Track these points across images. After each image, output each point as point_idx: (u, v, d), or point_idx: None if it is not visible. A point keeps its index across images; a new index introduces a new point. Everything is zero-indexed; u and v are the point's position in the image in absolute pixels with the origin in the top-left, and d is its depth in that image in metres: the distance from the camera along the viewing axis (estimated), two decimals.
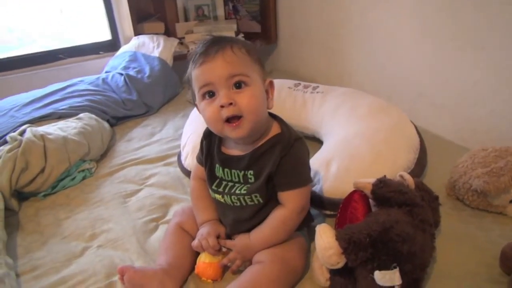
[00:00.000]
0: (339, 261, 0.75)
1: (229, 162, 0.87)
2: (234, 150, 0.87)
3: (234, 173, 0.85)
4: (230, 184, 0.86)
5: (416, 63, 1.51)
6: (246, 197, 0.84)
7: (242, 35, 2.20)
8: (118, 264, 0.93)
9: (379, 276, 0.72)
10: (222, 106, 0.77)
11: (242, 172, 0.84)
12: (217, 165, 0.88)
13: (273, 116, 0.88)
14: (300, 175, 0.83)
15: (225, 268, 0.89)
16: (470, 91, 1.34)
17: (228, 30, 2.17)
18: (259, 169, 0.83)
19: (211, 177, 0.89)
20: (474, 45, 1.29)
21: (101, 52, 2.18)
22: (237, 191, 0.84)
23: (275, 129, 0.86)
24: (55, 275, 0.93)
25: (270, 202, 0.85)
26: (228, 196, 0.86)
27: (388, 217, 0.76)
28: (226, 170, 0.87)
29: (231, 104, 0.77)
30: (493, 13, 1.21)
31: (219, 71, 0.77)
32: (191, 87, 0.85)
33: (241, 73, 0.78)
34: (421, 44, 1.47)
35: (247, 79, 0.78)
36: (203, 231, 0.89)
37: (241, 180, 0.85)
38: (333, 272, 0.80)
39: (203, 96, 0.80)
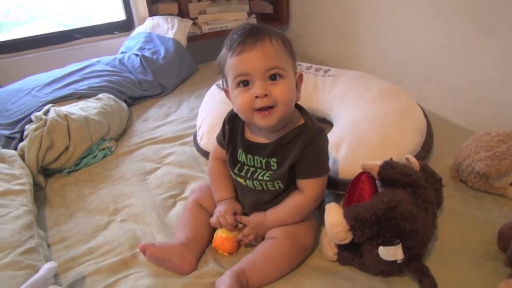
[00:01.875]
0: (346, 237, 0.81)
1: (252, 148, 0.90)
2: (258, 137, 0.90)
3: (257, 159, 0.90)
4: (252, 169, 0.91)
5: (426, 47, 1.53)
6: (268, 183, 0.89)
7: (255, 16, 2.22)
8: (140, 237, 1.01)
9: (383, 251, 0.79)
10: (257, 97, 0.80)
11: (265, 159, 0.88)
12: (240, 151, 0.92)
13: (297, 107, 0.91)
14: (320, 165, 0.88)
15: (240, 243, 0.96)
16: (478, 75, 1.37)
17: (241, 11, 2.19)
18: (282, 157, 0.87)
19: (233, 161, 0.94)
20: (484, 29, 1.31)
21: (115, 32, 2.22)
22: (259, 177, 0.89)
23: (299, 120, 0.89)
24: (83, 246, 1.00)
25: (290, 187, 0.90)
26: (250, 180, 0.91)
27: (393, 197, 0.82)
28: (249, 156, 0.91)
29: (266, 95, 0.80)
30: None
31: (257, 64, 0.79)
32: (222, 72, 0.88)
33: (278, 66, 0.80)
34: (432, 27, 1.48)
35: (283, 72, 0.81)
36: (220, 208, 0.95)
37: (264, 167, 0.89)
38: (341, 247, 0.87)
39: (238, 85, 0.82)
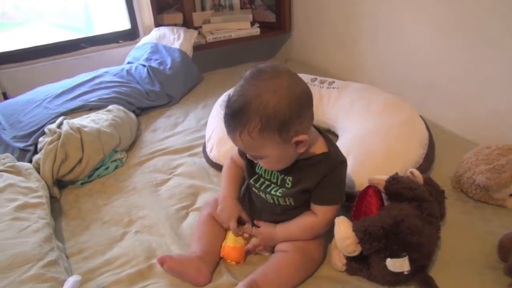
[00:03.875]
0: (355, 250, 0.86)
1: None
2: None
3: (274, 174, 0.93)
4: (267, 183, 0.95)
5: (427, 57, 1.58)
6: (280, 198, 0.93)
7: (258, 25, 2.26)
8: (155, 248, 1.05)
9: (391, 263, 0.83)
10: None
11: (282, 175, 0.92)
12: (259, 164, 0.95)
13: (320, 131, 0.94)
14: (337, 195, 0.92)
15: (247, 252, 1.00)
16: (479, 87, 1.41)
17: (244, 20, 2.23)
18: (298, 178, 0.90)
19: (251, 172, 0.98)
20: (486, 42, 1.34)
21: (121, 41, 2.26)
22: (272, 192, 0.93)
23: (321, 147, 0.90)
24: (100, 257, 1.04)
25: (301, 206, 0.95)
26: (263, 193, 0.96)
27: (399, 212, 0.86)
28: (267, 170, 0.94)
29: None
30: (508, 11, 1.26)
31: (238, 144, 0.85)
32: None
33: (254, 154, 0.86)
34: (434, 38, 1.53)
35: (262, 154, 0.85)
36: (223, 212, 1.00)
37: (279, 183, 0.93)
38: (349, 258, 0.91)
39: None
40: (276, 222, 0.97)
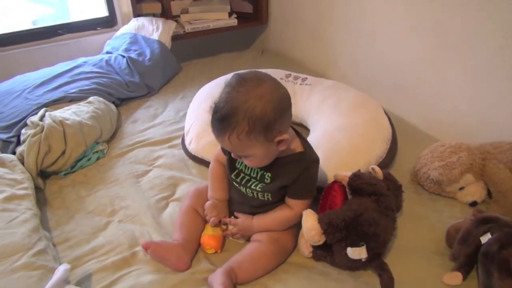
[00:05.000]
0: (320, 240, 0.96)
1: None
2: None
3: (254, 170, 1.02)
4: (247, 177, 1.03)
5: (395, 57, 1.68)
6: (259, 193, 1.02)
7: (235, 15, 2.31)
8: (138, 237, 1.13)
9: (350, 251, 0.94)
10: None
11: (262, 171, 1.01)
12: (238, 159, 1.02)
13: (296, 132, 1.02)
14: (310, 190, 1.02)
15: (224, 241, 1.10)
16: (440, 86, 1.52)
17: (222, 10, 2.28)
18: (277, 174, 0.99)
19: (231, 167, 1.06)
20: (447, 48, 1.46)
21: (98, 28, 2.27)
22: (252, 186, 1.02)
23: (298, 146, 0.99)
24: (86, 245, 1.11)
25: (277, 202, 1.04)
26: (244, 187, 1.04)
27: (359, 206, 0.97)
28: (247, 165, 1.02)
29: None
30: (465, 20, 1.37)
31: (227, 147, 0.93)
32: None
33: (241, 154, 0.94)
34: (401, 40, 1.63)
35: (248, 154, 0.92)
36: (209, 207, 1.09)
37: (258, 178, 1.02)
38: (315, 247, 1.02)
39: None
40: (254, 214, 1.07)
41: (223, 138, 0.89)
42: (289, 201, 1.03)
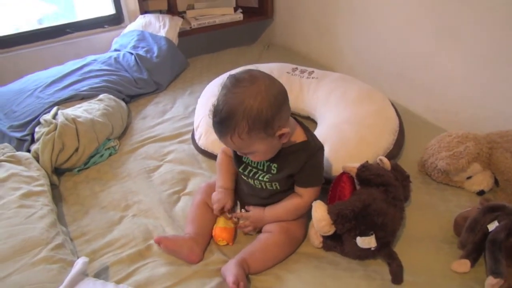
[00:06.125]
0: (330, 230, 0.98)
1: None
2: None
3: (260, 162, 1.04)
4: (255, 170, 1.06)
5: (402, 47, 1.68)
6: (267, 183, 1.05)
7: (241, 10, 2.32)
8: (152, 230, 1.16)
9: (360, 240, 0.96)
10: None
11: (268, 163, 1.03)
12: None
13: (297, 121, 1.04)
14: (317, 177, 1.04)
15: (235, 234, 1.12)
16: (445, 76, 1.53)
17: (227, 5, 2.29)
18: (283, 164, 1.01)
19: (238, 161, 1.08)
20: (451, 36, 1.46)
21: (105, 26, 2.29)
22: (260, 178, 1.05)
23: (301, 135, 1.01)
24: (102, 239, 1.14)
25: (286, 190, 1.07)
26: (252, 179, 1.07)
27: (368, 196, 0.99)
28: None
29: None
30: (471, 5, 1.36)
31: (230, 146, 0.96)
32: None
33: (244, 152, 0.97)
34: (407, 29, 1.63)
35: (252, 151, 0.95)
36: (215, 197, 1.12)
37: (265, 169, 1.04)
38: (325, 237, 1.04)
39: None
40: (264, 205, 1.09)
41: (226, 139, 0.92)
42: (298, 189, 1.06)
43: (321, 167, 1.06)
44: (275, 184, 1.05)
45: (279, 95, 0.92)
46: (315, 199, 1.05)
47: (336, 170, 1.19)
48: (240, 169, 1.09)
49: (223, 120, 0.90)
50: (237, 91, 0.89)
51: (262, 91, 0.88)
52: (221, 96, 0.91)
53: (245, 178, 1.09)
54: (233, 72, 0.95)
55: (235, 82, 0.90)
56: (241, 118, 0.88)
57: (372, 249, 0.97)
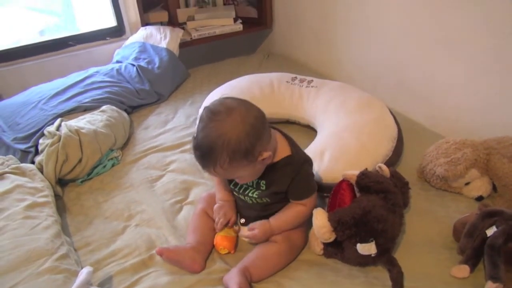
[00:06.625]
0: (330, 237, 1.00)
1: None
2: None
3: None
4: (245, 186, 1.08)
5: (398, 56, 1.71)
6: (257, 199, 1.08)
7: (240, 21, 2.35)
8: (154, 240, 1.17)
9: (360, 247, 0.98)
10: None
11: (256, 180, 1.05)
12: None
13: (282, 133, 1.06)
14: (310, 187, 1.07)
15: (237, 243, 1.13)
16: (444, 83, 1.55)
17: (227, 16, 2.32)
18: (271, 180, 1.03)
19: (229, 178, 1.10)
20: (449, 46, 1.48)
21: (107, 38, 2.33)
22: (250, 194, 1.07)
23: (285, 150, 1.03)
24: (105, 249, 1.16)
25: (277, 202, 1.09)
26: (242, 195, 1.09)
27: (368, 203, 1.00)
28: None
29: None
30: (469, 14, 1.38)
31: (214, 175, 1.00)
32: None
33: (230, 178, 1.02)
34: (405, 38, 1.65)
35: (236, 177, 1.00)
36: (219, 212, 1.13)
37: (254, 186, 1.06)
38: (326, 244, 1.05)
39: None
40: (261, 217, 1.11)
41: (209, 170, 0.95)
42: (297, 202, 1.07)
43: (311, 177, 1.08)
44: (265, 198, 1.07)
45: (257, 122, 0.93)
46: (316, 204, 1.08)
47: (337, 177, 1.20)
48: (231, 185, 1.11)
49: (204, 155, 0.92)
50: (214, 125, 0.90)
51: (239, 122, 0.90)
52: (199, 130, 0.93)
53: (237, 194, 1.12)
54: (208, 104, 0.97)
55: (211, 116, 0.92)
56: (221, 151, 0.89)
57: (373, 255, 0.98)
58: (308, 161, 1.07)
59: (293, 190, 1.04)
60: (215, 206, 1.15)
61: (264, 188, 1.05)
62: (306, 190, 1.06)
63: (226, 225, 1.12)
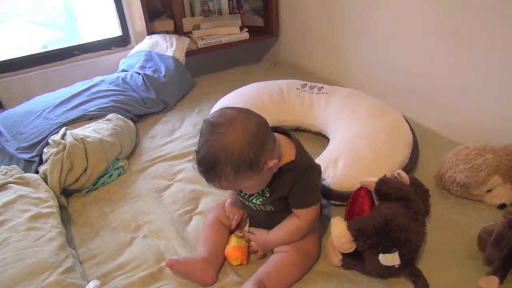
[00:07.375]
0: (350, 247, 0.95)
1: None
2: None
3: None
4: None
5: (409, 62, 1.67)
6: (261, 206, 1.04)
7: (246, 29, 2.33)
8: (164, 252, 1.12)
9: (383, 258, 0.92)
10: None
11: None
12: None
13: (289, 136, 1.02)
14: (311, 197, 1.00)
15: (249, 254, 1.09)
16: (459, 87, 1.51)
17: (233, 25, 2.30)
18: (274, 188, 0.99)
19: None
20: (464, 46, 1.44)
21: (112, 48, 2.31)
22: (254, 200, 1.03)
23: (289, 155, 0.98)
24: (112, 262, 1.10)
25: (281, 211, 1.04)
26: (247, 202, 1.06)
27: (389, 211, 0.96)
28: None
29: None
30: (484, 15, 1.35)
31: (220, 188, 0.95)
32: None
33: (237, 189, 1.01)
34: (415, 43, 1.62)
35: (242, 188, 0.97)
36: (229, 208, 1.12)
37: (260, 192, 1.01)
38: (345, 254, 1.00)
39: None
40: (264, 226, 1.07)
41: (214, 184, 0.92)
42: (295, 211, 1.02)
43: (314, 186, 1.02)
44: (268, 206, 1.03)
45: (259, 132, 0.89)
46: (315, 220, 1.03)
47: (352, 185, 1.15)
48: (237, 191, 1.08)
49: (207, 169, 0.89)
50: (215, 138, 0.87)
51: (241, 133, 0.87)
52: (201, 144, 0.90)
53: (242, 200, 1.08)
54: (207, 116, 0.94)
55: (211, 129, 0.89)
56: (225, 165, 0.87)
57: (396, 266, 0.93)
58: (313, 168, 1.02)
59: (292, 196, 0.99)
60: (227, 202, 1.12)
61: (268, 195, 1.01)
62: (307, 198, 1.00)
63: (240, 221, 1.10)
